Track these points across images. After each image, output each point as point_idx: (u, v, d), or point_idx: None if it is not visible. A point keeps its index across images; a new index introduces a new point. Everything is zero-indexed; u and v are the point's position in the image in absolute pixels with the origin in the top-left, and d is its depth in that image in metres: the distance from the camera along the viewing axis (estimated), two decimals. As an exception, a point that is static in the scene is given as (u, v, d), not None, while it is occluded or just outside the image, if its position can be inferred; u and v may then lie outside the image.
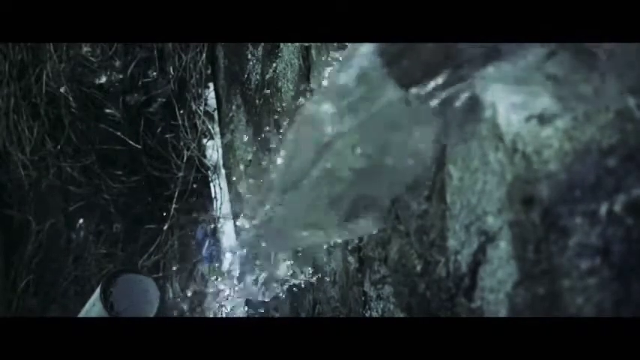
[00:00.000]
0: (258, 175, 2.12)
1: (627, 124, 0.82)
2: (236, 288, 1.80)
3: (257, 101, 2.17)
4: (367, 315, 1.48)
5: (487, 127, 0.93)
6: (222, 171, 2.63)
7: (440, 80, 0.90)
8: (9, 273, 2.67)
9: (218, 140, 2.64)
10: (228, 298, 1.83)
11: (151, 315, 1.91)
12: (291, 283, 1.80)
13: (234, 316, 1.89)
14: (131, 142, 2.67)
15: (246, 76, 2.25)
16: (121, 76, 2.72)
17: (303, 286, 1.83)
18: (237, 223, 2.46)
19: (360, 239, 1.48)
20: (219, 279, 1.90)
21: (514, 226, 0.90)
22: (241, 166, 2.41)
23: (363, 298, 1.48)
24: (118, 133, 2.68)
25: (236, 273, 1.78)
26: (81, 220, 2.74)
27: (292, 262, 1.72)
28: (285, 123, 1.89)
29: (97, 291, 1.91)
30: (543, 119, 0.86)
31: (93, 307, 1.92)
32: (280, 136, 1.92)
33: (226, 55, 2.50)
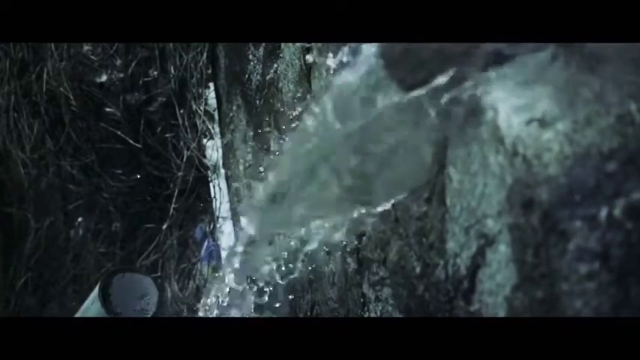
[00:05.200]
0: (257, 176, 2.12)
1: (628, 128, 0.82)
2: (234, 287, 1.79)
3: (257, 101, 2.17)
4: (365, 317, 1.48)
5: (488, 129, 0.93)
6: (222, 171, 2.63)
7: (441, 83, 0.90)
8: (8, 271, 2.67)
9: (218, 140, 2.64)
10: (226, 297, 1.82)
11: (150, 314, 1.91)
12: (289, 284, 1.80)
13: (232, 316, 1.89)
14: (131, 141, 2.68)
15: (246, 76, 2.26)
16: (121, 75, 2.72)
17: (301, 286, 1.83)
18: (237, 223, 2.46)
19: (360, 241, 1.48)
20: (217, 279, 1.90)
21: (513, 230, 0.91)
22: (241, 166, 2.41)
23: (361, 300, 1.48)
24: (118, 132, 2.68)
25: (234, 273, 1.77)
26: (80, 219, 2.74)
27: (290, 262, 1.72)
28: (285, 124, 1.89)
29: (96, 290, 1.91)
30: (544, 122, 0.86)
31: (91, 306, 1.92)
32: (281, 137, 1.92)
33: (227, 55, 2.50)
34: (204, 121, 2.63)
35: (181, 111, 2.64)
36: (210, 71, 2.64)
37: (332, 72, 1.13)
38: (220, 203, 2.62)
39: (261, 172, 2.08)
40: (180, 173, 2.63)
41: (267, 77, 2.06)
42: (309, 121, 1.08)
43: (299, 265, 1.72)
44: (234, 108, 2.44)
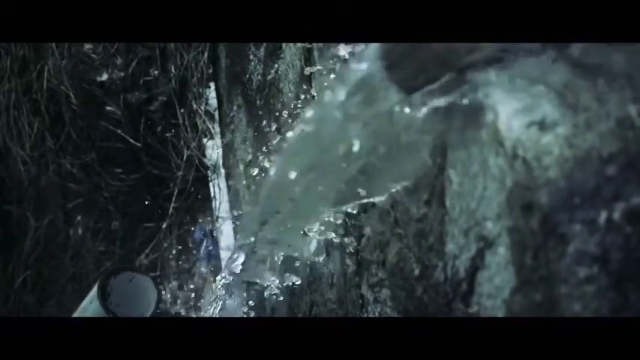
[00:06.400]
0: (257, 175, 2.13)
1: (628, 132, 0.82)
2: (232, 287, 1.79)
3: (258, 102, 2.17)
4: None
5: (488, 132, 0.93)
6: (222, 171, 2.63)
7: (441, 85, 0.90)
8: (7, 269, 2.67)
9: (218, 140, 2.64)
10: (225, 297, 1.82)
11: (149, 313, 1.91)
12: (288, 284, 1.80)
13: (231, 316, 1.89)
14: (131, 140, 2.68)
15: (247, 76, 2.26)
16: (122, 74, 2.72)
17: (298, 287, 1.83)
18: (237, 222, 2.46)
19: (359, 242, 1.48)
20: (216, 278, 1.89)
21: (513, 232, 0.91)
22: (241, 166, 2.41)
23: (360, 301, 1.48)
24: (119, 131, 2.69)
25: (233, 272, 1.77)
26: (79, 217, 2.74)
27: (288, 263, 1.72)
28: (285, 124, 1.89)
29: (95, 288, 1.91)
30: (544, 126, 0.86)
31: (90, 305, 1.92)
32: (281, 138, 1.92)
33: (228, 55, 2.51)
34: (204, 121, 2.63)
35: (182, 110, 2.65)
36: (211, 71, 2.64)
37: (333, 73, 1.13)
38: (220, 203, 2.62)
39: (261, 172, 2.08)
40: (180, 173, 2.63)
41: (268, 77, 2.06)
42: (310, 122, 1.08)
43: (298, 264, 1.72)
44: (235, 108, 2.44)
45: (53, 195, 2.74)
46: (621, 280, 0.78)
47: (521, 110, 0.88)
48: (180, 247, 2.68)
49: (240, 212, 2.40)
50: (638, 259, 0.77)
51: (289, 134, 1.16)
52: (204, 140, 2.65)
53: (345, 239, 1.52)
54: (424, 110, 0.94)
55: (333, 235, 1.55)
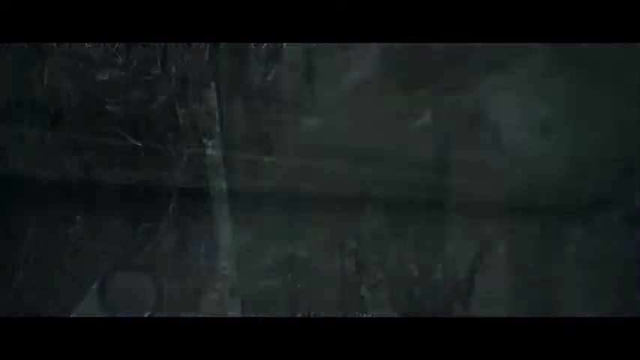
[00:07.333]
0: (257, 175, 2.12)
1: (628, 135, 0.82)
2: (232, 287, 1.79)
3: (258, 102, 2.17)
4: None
5: (489, 133, 0.93)
6: (222, 171, 2.63)
7: (443, 86, 0.90)
8: (5, 268, 2.66)
9: (218, 140, 2.63)
10: (224, 297, 1.82)
11: (147, 313, 1.91)
12: (287, 283, 1.80)
13: (230, 315, 1.89)
14: (131, 140, 2.67)
15: (248, 76, 2.26)
16: (122, 73, 2.72)
17: (298, 286, 1.83)
18: (236, 222, 2.46)
19: (358, 243, 1.48)
20: (215, 278, 1.89)
21: (513, 234, 0.91)
22: (241, 166, 2.41)
23: (359, 302, 1.48)
24: (119, 130, 2.68)
25: (232, 272, 1.77)
26: (79, 217, 2.74)
27: (288, 262, 1.72)
28: (286, 125, 1.89)
29: (94, 288, 1.91)
30: (545, 128, 0.86)
31: (89, 305, 1.92)
32: (282, 138, 1.92)
33: (229, 55, 2.50)
34: (204, 121, 2.63)
35: (182, 110, 2.64)
36: (211, 71, 2.64)
37: (334, 74, 1.13)
38: (220, 203, 2.62)
39: (260, 173, 2.08)
40: (180, 172, 2.62)
41: (269, 78, 2.06)
42: (310, 122, 1.08)
43: (298, 264, 1.72)
44: (235, 108, 2.45)
45: (53, 194, 2.74)
46: (620, 282, 0.78)
47: (523, 112, 0.88)
48: (179, 247, 2.67)
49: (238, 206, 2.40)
50: (637, 262, 0.77)
51: (289, 135, 1.16)
52: (205, 140, 2.65)
53: (345, 239, 1.52)
54: (425, 111, 0.94)
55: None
